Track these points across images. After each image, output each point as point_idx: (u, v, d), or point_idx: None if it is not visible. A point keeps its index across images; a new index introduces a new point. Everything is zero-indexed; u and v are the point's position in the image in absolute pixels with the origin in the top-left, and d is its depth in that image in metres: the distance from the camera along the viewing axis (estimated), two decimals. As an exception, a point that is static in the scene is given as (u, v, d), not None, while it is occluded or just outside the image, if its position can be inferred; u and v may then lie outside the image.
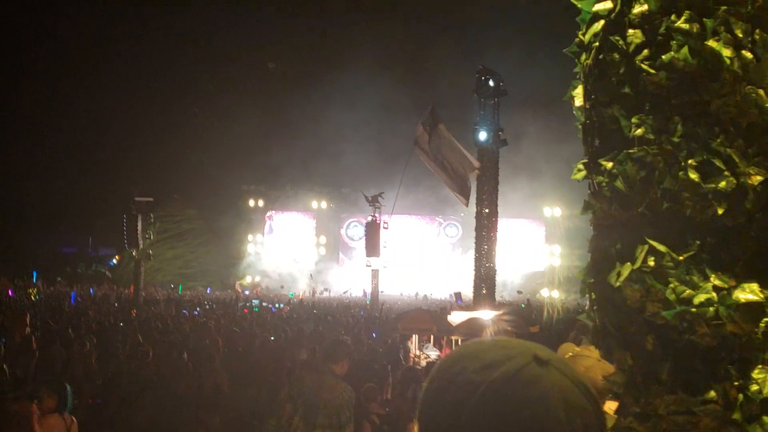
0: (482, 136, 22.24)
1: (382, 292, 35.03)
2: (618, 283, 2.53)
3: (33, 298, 17.58)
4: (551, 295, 39.70)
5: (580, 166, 2.82)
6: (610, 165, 2.60)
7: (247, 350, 11.17)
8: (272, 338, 11.71)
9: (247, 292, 39.41)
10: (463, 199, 16.78)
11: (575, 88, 2.82)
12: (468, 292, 25.19)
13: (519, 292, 36.25)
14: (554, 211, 47.18)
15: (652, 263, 2.47)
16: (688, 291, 2.42)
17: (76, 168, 51.63)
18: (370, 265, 32.45)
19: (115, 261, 50.14)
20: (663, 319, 2.44)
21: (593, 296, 2.69)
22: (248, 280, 48.11)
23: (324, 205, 52.37)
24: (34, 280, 35.76)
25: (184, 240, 51.44)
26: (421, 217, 53.30)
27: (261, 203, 51.54)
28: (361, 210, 43.73)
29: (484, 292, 22.15)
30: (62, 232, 52.38)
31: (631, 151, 2.55)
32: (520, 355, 0.97)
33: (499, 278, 24.07)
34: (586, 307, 2.76)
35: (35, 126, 51.53)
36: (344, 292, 42.70)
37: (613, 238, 2.64)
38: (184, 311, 22.07)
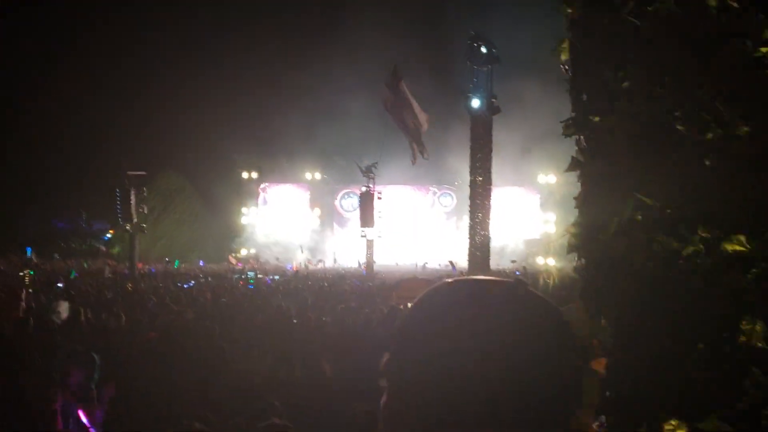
0: (475, 103, 22.18)
1: (376, 262, 35.19)
2: (606, 237, 2.54)
3: (26, 282, 17.28)
4: (546, 262, 39.91)
5: (569, 122, 2.81)
6: (597, 119, 2.59)
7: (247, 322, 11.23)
8: (294, 321, 11.59)
9: (241, 265, 39.54)
10: (424, 154, 17.28)
11: (562, 42, 2.80)
12: (463, 261, 25.29)
13: (512, 261, 36.39)
14: (548, 178, 47.40)
15: (639, 217, 2.48)
16: (676, 243, 2.43)
17: (68, 141, 51.30)
18: (364, 236, 32.58)
19: (109, 235, 50.11)
20: (651, 272, 2.45)
21: (582, 252, 2.70)
22: (243, 252, 48.21)
23: (318, 176, 52.32)
24: (28, 255, 35.73)
25: (178, 213, 51.38)
26: (416, 187, 53.28)
27: (255, 175, 51.46)
28: (355, 181, 43.75)
29: (478, 260, 22.27)
30: (55, 207, 52.23)
31: (617, 104, 2.55)
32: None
33: (496, 246, 24.17)
34: (575, 264, 2.77)
35: (25, 99, 51.09)
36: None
37: (600, 194, 2.64)
38: (181, 284, 22.13)
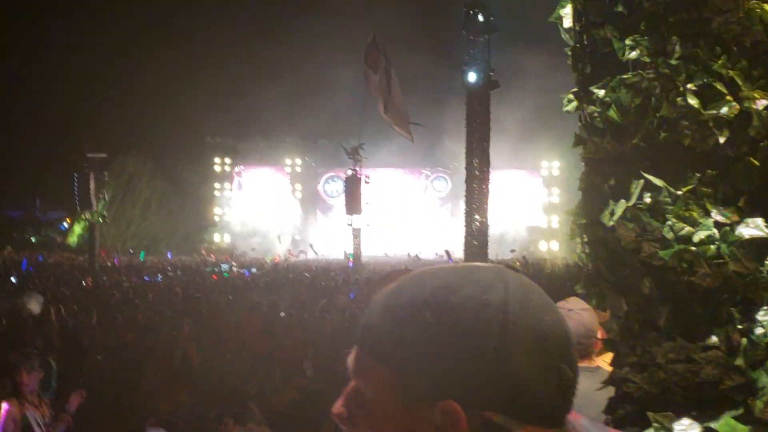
0: (471, 77, 22.13)
1: (364, 254, 35.15)
2: (611, 223, 2.55)
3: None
4: (550, 247, 40.06)
5: (570, 96, 2.82)
6: (602, 93, 2.60)
7: (217, 319, 11.25)
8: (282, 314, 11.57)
9: (214, 257, 39.43)
10: (408, 135, 17.73)
11: (563, 7, 2.80)
12: (460, 251, 25.33)
13: (512, 251, 36.50)
14: (552, 161, 47.59)
15: (648, 200, 2.49)
16: (688, 228, 2.44)
17: (20, 121, 50.89)
18: (350, 224, 32.53)
19: (66, 225, 49.84)
20: (660, 260, 2.46)
21: (585, 238, 2.71)
22: (216, 241, 48.15)
23: (299, 158, 52.13)
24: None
25: (143, 200, 51.12)
26: (407, 171, 53.23)
27: (228, 158, 51.23)
28: (340, 163, 43.51)
29: (474, 249, 22.29)
30: (6, 194, 51.86)
31: (625, 76, 2.55)
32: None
33: (495, 234, 24.18)
34: (578, 250, 2.79)
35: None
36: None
37: (605, 174, 2.65)
38: (148, 278, 22.10)
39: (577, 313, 3.51)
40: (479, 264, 1.08)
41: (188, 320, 10.17)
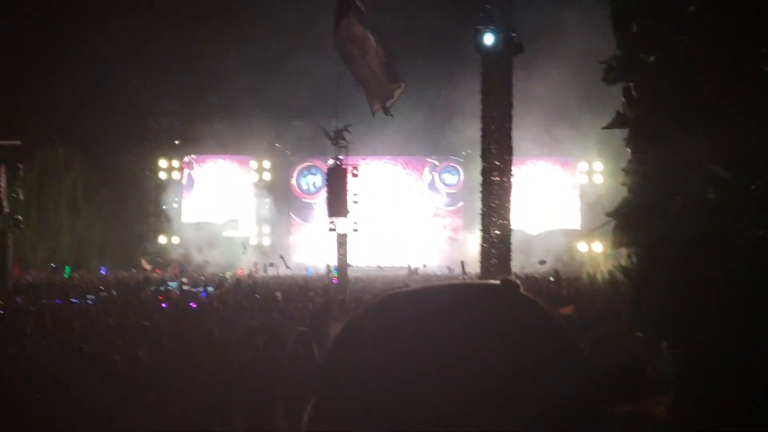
0: (488, 39, 22.14)
1: (353, 266, 35.06)
2: (666, 225, 2.53)
3: None
4: (591, 248, 39.93)
5: (612, 64, 2.81)
6: (652, 58, 2.59)
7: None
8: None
9: (160, 272, 39.37)
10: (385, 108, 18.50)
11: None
12: (474, 262, 25.30)
13: (541, 263, 36.56)
14: (591, 143, 47.43)
15: (711, 195, 2.48)
16: (761, 231, 2.43)
17: None
18: (334, 228, 32.50)
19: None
20: (729, 272, 2.45)
21: (630, 244, 2.69)
22: (164, 252, 48.10)
23: (267, 144, 51.96)
24: None
25: (68, 199, 50.98)
26: (406, 160, 53.12)
27: (177, 143, 51.09)
28: (319, 151, 43.45)
29: (494, 261, 22.29)
30: None
31: (681, 37, 2.54)
32: None
33: (520, 241, 24.07)
34: (623, 262, 2.78)
35: None
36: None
37: (656, 164, 2.63)
38: (76, 301, 22.03)
39: (622, 339, 3.49)
40: (470, 283, 1.15)
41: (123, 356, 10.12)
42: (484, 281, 1.13)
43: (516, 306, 1.09)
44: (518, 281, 1.11)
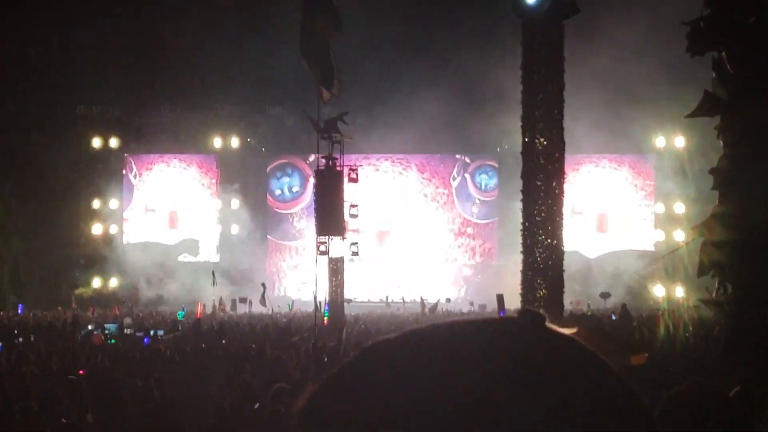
0: (530, -1, 22.09)
1: (352, 300, 35.13)
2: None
3: None
4: (672, 293, 40.14)
5: (699, 27, 2.79)
6: (753, 18, 2.58)
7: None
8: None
9: (94, 310, 39.49)
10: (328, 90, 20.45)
11: None
12: (515, 296, 25.26)
13: (604, 296, 36.63)
14: (672, 139, 47.31)
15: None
16: None
17: None
18: (325, 251, 32.50)
19: None
20: None
21: (726, 275, 2.68)
22: (96, 285, 48.24)
23: (235, 141, 51.68)
24: None
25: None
26: (424, 159, 52.60)
27: (115, 141, 51.15)
28: (302, 147, 43.57)
29: (542, 292, 22.28)
30: None
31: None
32: None
33: (575, 266, 24.06)
34: (713, 295, 2.76)
35: None
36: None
37: (761, 161, 2.62)
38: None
39: (710, 394, 3.48)
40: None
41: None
42: (495, 317, 1.14)
43: (540, 348, 1.09)
44: (545, 314, 1.12)
